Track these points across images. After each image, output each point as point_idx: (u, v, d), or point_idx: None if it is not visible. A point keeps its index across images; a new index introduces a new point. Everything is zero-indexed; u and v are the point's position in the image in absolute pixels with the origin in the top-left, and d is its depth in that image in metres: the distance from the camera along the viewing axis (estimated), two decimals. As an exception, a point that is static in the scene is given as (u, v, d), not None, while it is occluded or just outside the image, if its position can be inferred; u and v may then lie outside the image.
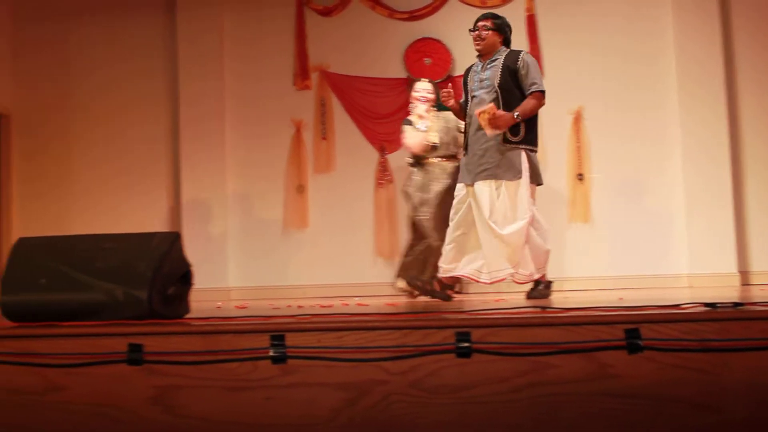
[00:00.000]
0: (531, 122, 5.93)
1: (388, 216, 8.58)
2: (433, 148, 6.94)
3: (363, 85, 8.64)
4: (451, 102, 6.09)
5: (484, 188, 5.83)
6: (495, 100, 5.81)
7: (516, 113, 5.76)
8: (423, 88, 7.14)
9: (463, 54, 8.35)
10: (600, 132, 8.34)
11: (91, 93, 9.28)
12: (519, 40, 8.42)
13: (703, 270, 7.89)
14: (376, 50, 8.80)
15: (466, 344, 2.75)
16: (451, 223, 6.02)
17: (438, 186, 6.93)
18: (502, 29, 6.08)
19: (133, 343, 2.89)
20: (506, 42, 6.11)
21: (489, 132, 5.74)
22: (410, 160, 7.14)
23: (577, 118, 8.36)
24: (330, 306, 5.71)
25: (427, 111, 7.07)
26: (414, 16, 8.71)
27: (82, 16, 9.36)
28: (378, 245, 8.59)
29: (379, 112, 8.66)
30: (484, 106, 5.74)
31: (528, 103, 5.85)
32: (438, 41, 8.62)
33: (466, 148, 6.05)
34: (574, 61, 8.39)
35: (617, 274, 8.01)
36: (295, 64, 8.81)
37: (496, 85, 5.88)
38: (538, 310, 3.20)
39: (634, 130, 8.30)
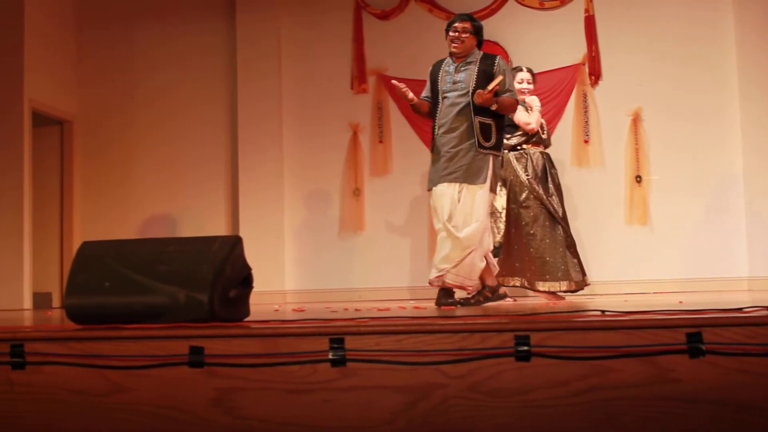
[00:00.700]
0: (501, 127, 5.93)
1: (444, 219, 8.56)
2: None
3: (421, 87, 8.61)
4: (410, 95, 6.01)
5: (446, 190, 5.77)
6: (468, 105, 5.79)
7: (495, 104, 5.76)
8: (523, 78, 6.98)
9: (520, 56, 8.33)
10: (659, 134, 8.26)
11: (151, 96, 9.44)
12: (577, 41, 8.39)
13: (763, 273, 7.78)
14: (433, 53, 8.74)
15: (525, 348, 2.74)
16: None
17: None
18: (479, 32, 6.09)
19: (194, 346, 2.92)
20: (479, 45, 6.09)
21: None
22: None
23: (636, 120, 8.28)
24: (387, 309, 5.72)
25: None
26: (471, 18, 8.69)
27: (143, 21, 9.53)
28: (434, 248, 8.56)
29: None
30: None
31: (507, 100, 5.85)
32: (495, 43, 8.59)
33: (433, 149, 5.97)
34: (632, 61, 8.33)
35: (676, 277, 7.92)
36: (353, 67, 8.85)
37: (471, 89, 5.82)
38: (598, 313, 3.17)
39: (694, 132, 8.21)
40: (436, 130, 5.94)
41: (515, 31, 8.65)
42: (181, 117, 9.37)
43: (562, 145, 8.22)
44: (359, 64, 8.75)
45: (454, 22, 6.06)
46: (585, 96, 8.45)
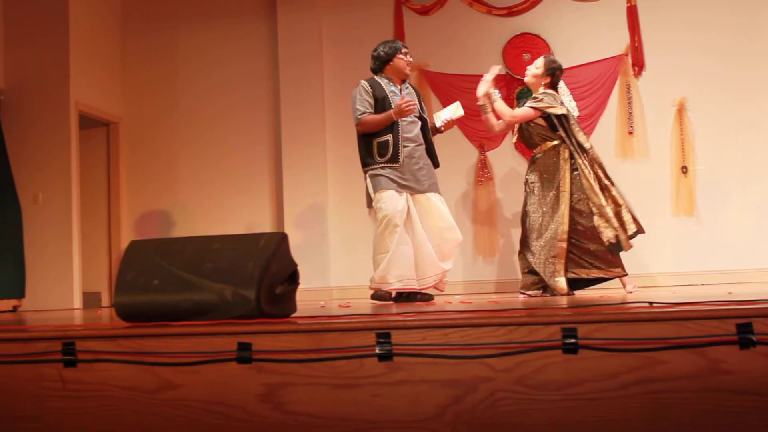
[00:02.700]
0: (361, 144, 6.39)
1: (488, 214, 8.55)
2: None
3: (462, 82, 8.62)
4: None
5: (436, 197, 6.27)
6: (423, 127, 6.35)
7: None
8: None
9: (561, 48, 8.29)
10: (704, 123, 8.16)
11: (195, 100, 9.54)
12: (619, 31, 8.32)
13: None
14: (474, 47, 8.77)
15: (572, 340, 2.73)
16: (392, 232, 6.08)
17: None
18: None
19: (242, 342, 2.94)
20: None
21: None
22: None
23: (681, 110, 8.19)
24: (432, 303, 5.72)
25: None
26: (512, 11, 8.68)
27: (187, 27, 9.65)
28: (478, 243, 8.56)
29: (477, 110, 8.63)
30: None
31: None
32: (537, 36, 8.56)
33: (390, 161, 6.15)
34: (676, 50, 8.25)
35: (724, 269, 7.82)
36: (394, 63, 8.84)
37: (419, 112, 6.34)
38: (646, 305, 3.14)
39: (740, 121, 8.11)
40: (395, 141, 6.22)
41: (556, 23, 8.60)
42: (225, 118, 9.45)
43: (606, 137, 8.16)
44: (400, 59, 8.72)
45: (405, 46, 6.54)
46: (628, 87, 8.37)
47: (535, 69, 6.62)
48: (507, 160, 8.61)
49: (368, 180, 6.21)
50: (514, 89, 8.59)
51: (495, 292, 8.03)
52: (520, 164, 8.54)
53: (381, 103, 6.21)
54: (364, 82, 6.32)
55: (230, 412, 2.94)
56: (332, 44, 9.08)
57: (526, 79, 6.71)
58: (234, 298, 3.20)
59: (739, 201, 8.05)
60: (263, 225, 9.10)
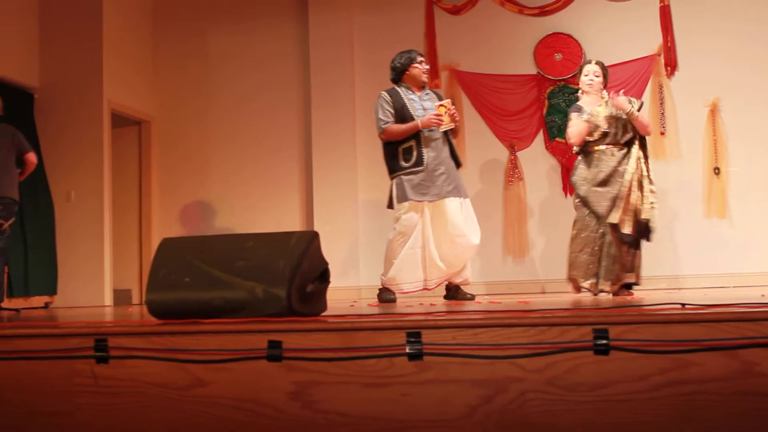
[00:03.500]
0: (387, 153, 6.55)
1: (518, 214, 8.53)
2: (604, 135, 6.13)
3: (493, 82, 8.61)
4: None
5: (454, 204, 6.33)
6: (444, 134, 6.43)
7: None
8: (591, 70, 6.35)
9: (594, 48, 8.26)
10: (737, 125, 8.10)
11: (226, 101, 9.61)
12: (652, 31, 8.27)
13: None
14: (505, 47, 8.75)
15: (604, 341, 2.71)
16: (404, 241, 6.31)
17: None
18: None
19: (272, 340, 2.95)
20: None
21: (445, 126, 6.26)
22: (577, 148, 6.36)
23: (714, 111, 8.14)
24: (462, 303, 5.72)
25: (594, 94, 6.36)
26: (544, 11, 8.65)
27: (218, 29, 9.72)
28: (507, 243, 8.54)
29: (509, 110, 8.63)
30: (443, 102, 6.35)
31: None
32: (569, 36, 8.52)
33: (415, 165, 6.31)
34: (710, 51, 8.18)
35: (756, 271, 7.75)
36: (425, 63, 8.86)
37: None
38: (678, 306, 3.12)
39: (772, 123, 8.04)
40: (418, 148, 6.39)
41: (588, 23, 8.56)
42: (256, 120, 9.50)
43: (637, 138, 8.12)
44: (432, 59, 8.72)
45: (421, 54, 6.70)
46: (661, 87, 8.32)
47: (596, 78, 6.28)
48: (538, 160, 8.58)
49: (394, 187, 6.43)
50: (546, 89, 8.56)
51: (524, 292, 8.00)
52: (551, 164, 8.52)
53: (401, 111, 6.40)
54: (384, 93, 6.51)
55: (260, 410, 2.95)
56: (363, 48, 9.10)
57: (592, 90, 6.29)
58: (265, 296, 3.21)
59: (771, 203, 7.99)
60: (294, 226, 9.13)
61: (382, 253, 8.74)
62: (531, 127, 8.62)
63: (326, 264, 3.50)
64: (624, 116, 6.05)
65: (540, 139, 8.61)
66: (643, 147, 6.10)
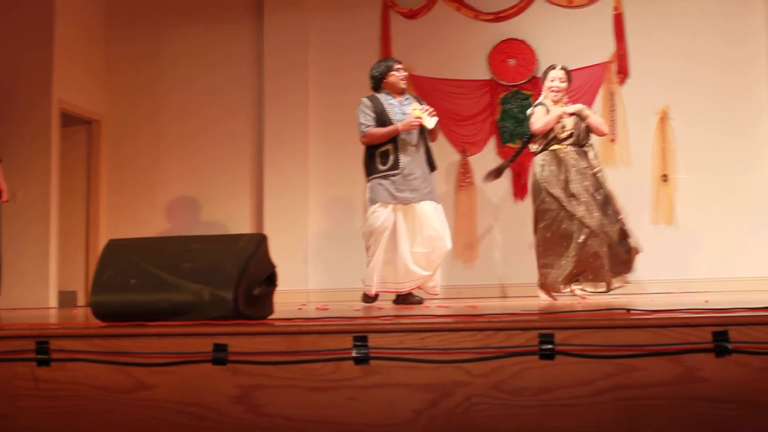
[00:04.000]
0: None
1: (469, 219, 8.55)
2: (569, 135, 6.56)
3: (447, 87, 8.64)
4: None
5: (430, 206, 6.51)
6: (422, 138, 6.60)
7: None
8: (557, 76, 6.76)
9: (547, 54, 8.33)
10: (686, 132, 8.22)
11: (179, 103, 9.55)
12: (605, 39, 8.35)
13: (791, 272, 7.72)
14: (460, 52, 8.79)
15: (549, 346, 2.72)
16: (377, 242, 6.44)
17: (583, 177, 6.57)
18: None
19: (218, 343, 2.92)
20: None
21: (429, 121, 6.43)
22: (537, 148, 6.70)
23: (663, 118, 8.24)
24: (410, 308, 5.72)
25: (559, 101, 6.77)
26: (499, 17, 8.70)
27: (172, 31, 9.63)
28: (457, 248, 8.56)
29: (462, 114, 8.66)
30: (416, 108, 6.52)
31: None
32: (523, 42, 8.58)
33: (391, 168, 6.47)
34: (661, 59, 8.30)
35: (701, 277, 7.87)
36: (380, 67, 8.86)
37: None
38: (623, 312, 3.15)
39: (722, 131, 8.17)
40: (394, 152, 6.56)
41: (543, 29, 8.62)
42: (209, 122, 9.45)
43: (588, 144, 8.19)
44: (386, 63, 8.71)
45: (399, 62, 6.86)
46: (612, 94, 8.41)
47: (561, 83, 6.71)
48: (489, 164, 8.60)
49: (369, 189, 6.59)
50: (499, 95, 8.61)
51: (473, 297, 8.03)
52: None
53: (380, 116, 6.53)
54: (365, 99, 6.67)
55: (204, 414, 2.92)
56: (318, 52, 9.08)
57: (558, 96, 6.71)
58: (211, 299, 3.19)
59: (718, 210, 8.10)
60: (244, 229, 9.07)
61: (330, 258, 8.78)
62: (483, 132, 8.66)
63: (274, 267, 3.48)
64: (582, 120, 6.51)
65: (492, 144, 8.65)
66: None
